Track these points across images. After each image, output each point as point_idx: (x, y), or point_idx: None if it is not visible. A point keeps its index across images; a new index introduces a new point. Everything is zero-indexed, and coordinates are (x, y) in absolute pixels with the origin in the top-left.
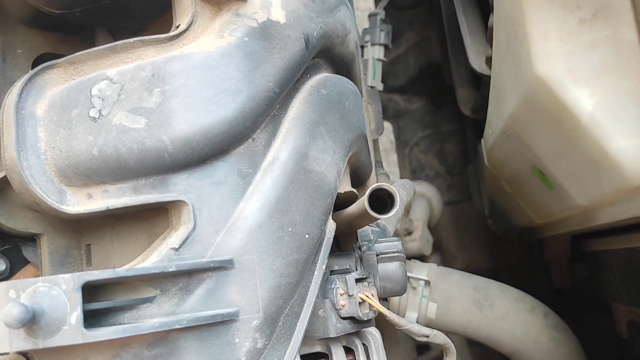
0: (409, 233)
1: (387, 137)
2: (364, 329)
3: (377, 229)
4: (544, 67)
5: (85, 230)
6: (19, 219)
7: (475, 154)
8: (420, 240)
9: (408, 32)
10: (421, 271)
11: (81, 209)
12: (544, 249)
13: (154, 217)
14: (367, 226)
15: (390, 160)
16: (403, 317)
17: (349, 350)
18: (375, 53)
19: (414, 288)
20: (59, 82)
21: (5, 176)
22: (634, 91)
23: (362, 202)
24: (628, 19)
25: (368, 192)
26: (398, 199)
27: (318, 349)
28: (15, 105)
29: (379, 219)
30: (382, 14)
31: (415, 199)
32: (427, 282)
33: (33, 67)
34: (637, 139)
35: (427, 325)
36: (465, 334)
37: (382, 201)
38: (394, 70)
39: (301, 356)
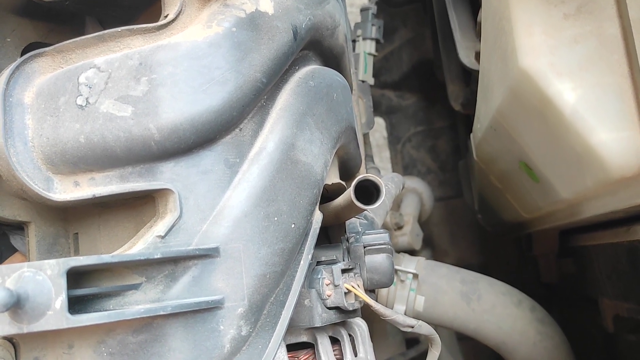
0: (400, 227)
1: (380, 132)
2: (351, 320)
3: (365, 222)
4: (528, 60)
5: (72, 218)
6: (7, 207)
7: (467, 150)
8: (411, 234)
9: (402, 29)
10: (409, 264)
11: (68, 197)
12: (533, 244)
13: (141, 205)
14: (355, 218)
15: (382, 156)
16: (391, 309)
17: (334, 341)
18: (367, 47)
19: (402, 281)
20: (46, 71)
21: None
22: (616, 85)
23: (349, 193)
24: (611, 14)
25: (354, 183)
26: (384, 189)
27: (304, 338)
28: (3, 93)
29: (364, 209)
30: (374, 9)
31: (406, 194)
32: (416, 276)
33: (22, 56)
34: (618, 132)
35: (415, 318)
36: (453, 327)
37: (368, 192)
38: (388, 66)
39: (287, 345)
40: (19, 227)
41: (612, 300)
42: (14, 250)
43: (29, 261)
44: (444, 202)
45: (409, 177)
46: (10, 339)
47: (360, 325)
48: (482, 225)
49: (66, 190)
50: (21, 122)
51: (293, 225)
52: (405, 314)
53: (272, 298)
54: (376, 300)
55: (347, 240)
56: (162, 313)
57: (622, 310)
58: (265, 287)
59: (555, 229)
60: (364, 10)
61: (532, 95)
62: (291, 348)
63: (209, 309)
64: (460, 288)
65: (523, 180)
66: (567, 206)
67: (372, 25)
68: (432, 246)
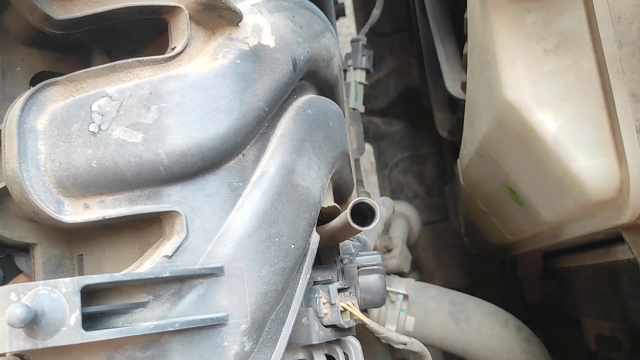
0: (389, 250)
1: (368, 158)
2: (345, 339)
3: (358, 244)
4: (512, 92)
5: (77, 240)
6: (14, 229)
7: (452, 175)
8: (399, 257)
9: (388, 58)
10: (400, 286)
11: (78, 219)
12: (517, 265)
13: (146, 227)
14: (348, 241)
15: (370, 181)
16: (384, 324)
17: (330, 359)
18: (357, 76)
19: (392, 302)
20: (59, 99)
21: (4, 187)
22: (593, 116)
23: (345, 215)
24: (588, 50)
25: (350, 205)
26: (378, 212)
27: (301, 356)
28: (18, 120)
29: (360, 230)
30: (363, 40)
31: (395, 218)
32: (406, 296)
33: (31, 84)
34: (595, 159)
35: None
36: (442, 347)
37: (363, 215)
38: (375, 94)
39: None
40: (24, 249)
41: (593, 320)
42: (18, 271)
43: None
44: (430, 226)
45: (397, 201)
46: (20, 356)
47: (354, 344)
48: (469, 248)
49: (76, 212)
50: (34, 147)
51: (293, 246)
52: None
53: (272, 315)
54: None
55: (342, 262)
56: (170, 329)
57: (603, 329)
58: (266, 304)
59: (539, 251)
60: (354, 41)
61: (515, 124)
62: None
63: (213, 326)
64: (449, 308)
65: (508, 204)
66: (550, 228)
67: (363, 55)
68: (419, 269)
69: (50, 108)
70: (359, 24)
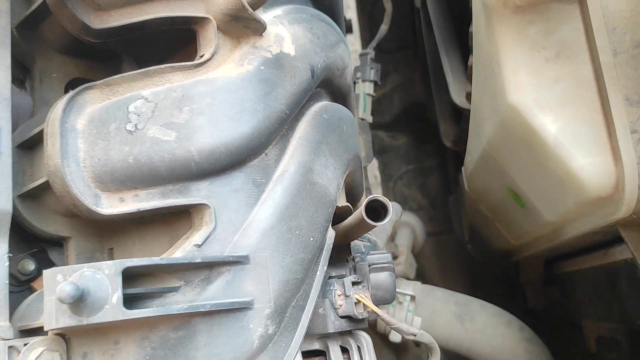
0: (395, 257)
1: (372, 172)
2: (358, 332)
3: (368, 244)
4: (516, 97)
5: (108, 235)
6: (50, 223)
7: (456, 185)
8: (405, 264)
9: (393, 74)
10: (407, 288)
11: (114, 211)
12: (520, 272)
13: (175, 221)
14: (359, 241)
15: (375, 193)
16: (389, 330)
17: (343, 350)
18: (366, 88)
19: (400, 303)
20: (96, 101)
21: (43, 182)
22: (591, 118)
23: (360, 212)
24: (585, 59)
25: (365, 202)
26: (391, 208)
27: (316, 346)
28: (60, 120)
29: (374, 226)
30: (372, 54)
31: (400, 227)
32: (413, 297)
33: (66, 89)
34: (593, 158)
35: (412, 340)
36: (448, 347)
37: (376, 212)
38: (380, 109)
39: (302, 352)
40: (57, 243)
41: (594, 322)
42: (51, 264)
43: None
44: (434, 237)
45: (403, 211)
46: (62, 335)
47: (366, 337)
48: (472, 257)
49: (112, 205)
50: (74, 145)
51: (312, 239)
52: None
53: (293, 302)
54: (375, 323)
55: (353, 260)
56: (201, 310)
57: (603, 331)
58: (288, 291)
59: (540, 257)
60: (363, 55)
61: (519, 127)
62: (305, 355)
63: (240, 309)
64: (455, 310)
65: (511, 207)
66: (552, 230)
67: (371, 68)
68: (423, 279)
69: (89, 109)
70: (364, 41)
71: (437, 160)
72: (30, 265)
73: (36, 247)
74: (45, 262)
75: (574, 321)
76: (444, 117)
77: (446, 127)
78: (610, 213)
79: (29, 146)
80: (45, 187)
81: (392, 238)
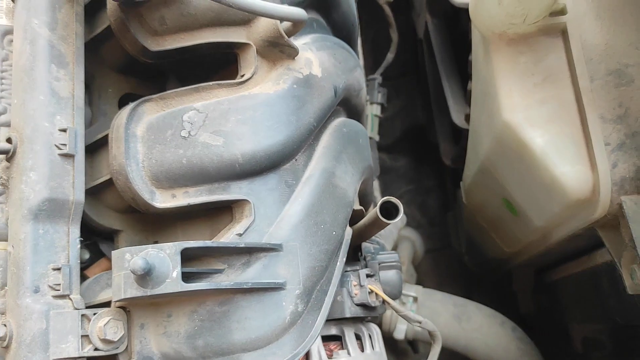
0: None
1: (374, 192)
2: (369, 323)
3: (377, 246)
4: (509, 115)
5: (154, 229)
6: (105, 217)
7: (455, 201)
8: (406, 274)
9: (395, 99)
10: (410, 290)
11: (167, 205)
12: (513, 280)
13: (216, 216)
14: (368, 243)
15: None
16: (394, 328)
17: (357, 337)
18: (374, 110)
19: (403, 303)
20: (152, 112)
21: (104, 180)
22: (572, 133)
23: (374, 212)
24: (567, 84)
25: (379, 202)
26: (402, 208)
27: (333, 331)
28: (125, 126)
29: (388, 224)
30: (379, 79)
31: (401, 240)
32: (415, 298)
33: (119, 103)
34: (574, 166)
35: (414, 337)
36: (447, 344)
37: (388, 212)
38: (382, 132)
39: (321, 337)
40: (108, 237)
41: (579, 324)
42: (101, 255)
43: None
44: (432, 253)
45: (404, 227)
46: (124, 308)
47: (376, 328)
48: (468, 269)
49: (165, 200)
50: (135, 148)
51: (334, 233)
52: (406, 332)
53: (318, 286)
54: (381, 321)
55: (365, 258)
56: (244, 287)
57: (588, 332)
58: (314, 276)
59: (531, 265)
60: (370, 80)
61: (512, 141)
62: (323, 339)
63: (275, 289)
64: (453, 310)
65: (505, 216)
66: (541, 235)
67: (378, 92)
68: None
69: (146, 119)
70: (367, 68)
71: (436, 180)
72: (85, 255)
73: (89, 240)
74: (97, 253)
75: (562, 325)
76: (444, 137)
77: (446, 146)
78: (589, 214)
79: (89, 150)
80: (105, 185)
81: (394, 250)
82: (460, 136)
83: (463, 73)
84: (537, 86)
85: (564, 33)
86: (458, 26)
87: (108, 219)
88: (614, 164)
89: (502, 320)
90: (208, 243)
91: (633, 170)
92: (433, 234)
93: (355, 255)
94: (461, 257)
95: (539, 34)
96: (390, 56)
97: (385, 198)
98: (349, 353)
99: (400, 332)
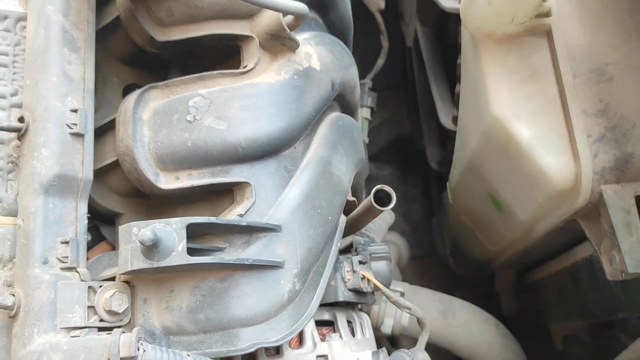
0: None
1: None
2: (359, 312)
3: (368, 239)
4: (497, 109)
5: (155, 213)
6: (108, 200)
7: (440, 206)
8: (392, 276)
9: (381, 109)
10: (397, 286)
11: (171, 187)
12: (495, 282)
13: (217, 199)
14: (359, 236)
15: None
16: (381, 324)
17: (348, 323)
18: (364, 113)
19: None
20: (157, 98)
21: (110, 163)
22: (556, 126)
23: (368, 200)
24: (552, 80)
25: (373, 190)
26: (394, 196)
27: (326, 316)
28: (132, 110)
29: (381, 210)
30: (369, 83)
31: (387, 244)
32: (402, 294)
33: (123, 92)
34: (558, 157)
35: (400, 332)
36: (432, 340)
37: (381, 201)
38: (368, 140)
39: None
40: (108, 221)
41: (559, 323)
42: (102, 238)
43: (115, 249)
44: (416, 260)
45: (389, 232)
46: (128, 282)
47: (366, 316)
48: (452, 272)
49: (169, 182)
50: (141, 132)
51: (330, 217)
52: (392, 328)
53: (314, 268)
54: (369, 314)
55: (356, 250)
56: (245, 263)
57: (568, 330)
58: (311, 257)
59: (514, 266)
60: (361, 84)
61: (499, 134)
62: (316, 324)
63: (274, 267)
64: (439, 306)
65: (490, 213)
66: (524, 230)
67: (368, 96)
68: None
69: (152, 104)
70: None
71: (419, 189)
72: (87, 237)
73: (90, 224)
74: (97, 236)
75: (543, 325)
76: (431, 141)
77: (433, 150)
78: (571, 204)
79: (94, 135)
80: (110, 167)
81: None
82: (446, 140)
83: (450, 78)
84: (523, 82)
85: (548, 34)
86: (446, 34)
87: (110, 202)
88: (595, 154)
89: (485, 317)
90: (212, 219)
91: (612, 161)
92: (417, 241)
93: (346, 250)
94: (445, 259)
95: (526, 34)
96: (380, 62)
97: (378, 186)
98: (341, 337)
99: (387, 326)
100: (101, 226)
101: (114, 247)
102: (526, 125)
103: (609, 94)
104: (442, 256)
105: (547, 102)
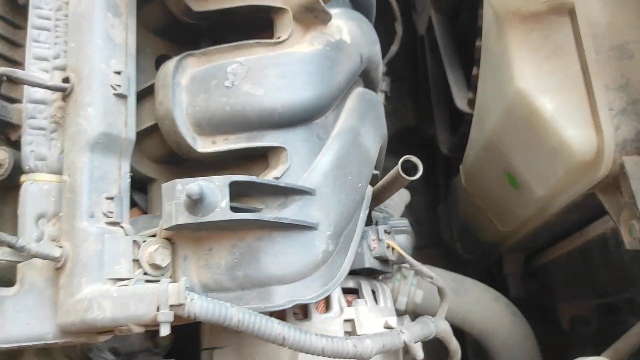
0: None
1: None
2: (380, 282)
3: (387, 215)
4: (522, 83)
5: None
6: (143, 165)
7: (448, 192)
8: None
9: (385, 103)
10: None
11: (209, 150)
12: (503, 265)
13: (250, 166)
14: (379, 212)
15: None
16: (395, 301)
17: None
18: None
19: (405, 277)
20: (194, 66)
21: (147, 127)
22: (578, 100)
23: (395, 169)
24: (574, 57)
25: (401, 160)
26: (421, 166)
27: (351, 284)
28: (172, 76)
29: (409, 180)
30: (383, 68)
31: None
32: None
33: (156, 62)
34: (581, 129)
35: (414, 310)
36: (445, 317)
37: (408, 173)
38: None
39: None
40: (140, 189)
41: (568, 304)
42: (134, 205)
43: (149, 211)
44: (420, 250)
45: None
46: (169, 239)
47: (387, 287)
48: (458, 258)
49: (206, 146)
50: (179, 97)
51: (359, 185)
52: (406, 306)
53: (345, 232)
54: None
55: (376, 224)
56: (284, 222)
57: (575, 310)
58: (343, 221)
59: (522, 249)
60: None
61: (523, 108)
62: (342, 291)
63: (309, 228)
64: (451, 284)
65: (505, 192)
66: (540, 207)
67: (382, 80)
68: None
69: (190, 70)
70: None
71: (422, 181)
72: None
73: None
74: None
75: (551, 306)
76: (442, 127)
77: (444, 136)
78: (592, 176)
79: None
80: (147, 132)
81: None
82: (459, 126)
83: (466, 61)
84: (547, 59)
85: (571, 12)
86: (460, 21)
87: (145, 167)
88: (616, 127)
89: (496, 296)
90: (253, 178)
91: (634, 133)
92: (420, 232)
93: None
94: (452, 246)
95: (549, 13)
96: (394, 48)
97: (405, 157)
98: (366, 303)
99: (402, 304)
100: (134, 193)
101: (145, 213)
102: (550, 99)
103: (630, 70)
104: (448, 242)
105: (570, 77)
